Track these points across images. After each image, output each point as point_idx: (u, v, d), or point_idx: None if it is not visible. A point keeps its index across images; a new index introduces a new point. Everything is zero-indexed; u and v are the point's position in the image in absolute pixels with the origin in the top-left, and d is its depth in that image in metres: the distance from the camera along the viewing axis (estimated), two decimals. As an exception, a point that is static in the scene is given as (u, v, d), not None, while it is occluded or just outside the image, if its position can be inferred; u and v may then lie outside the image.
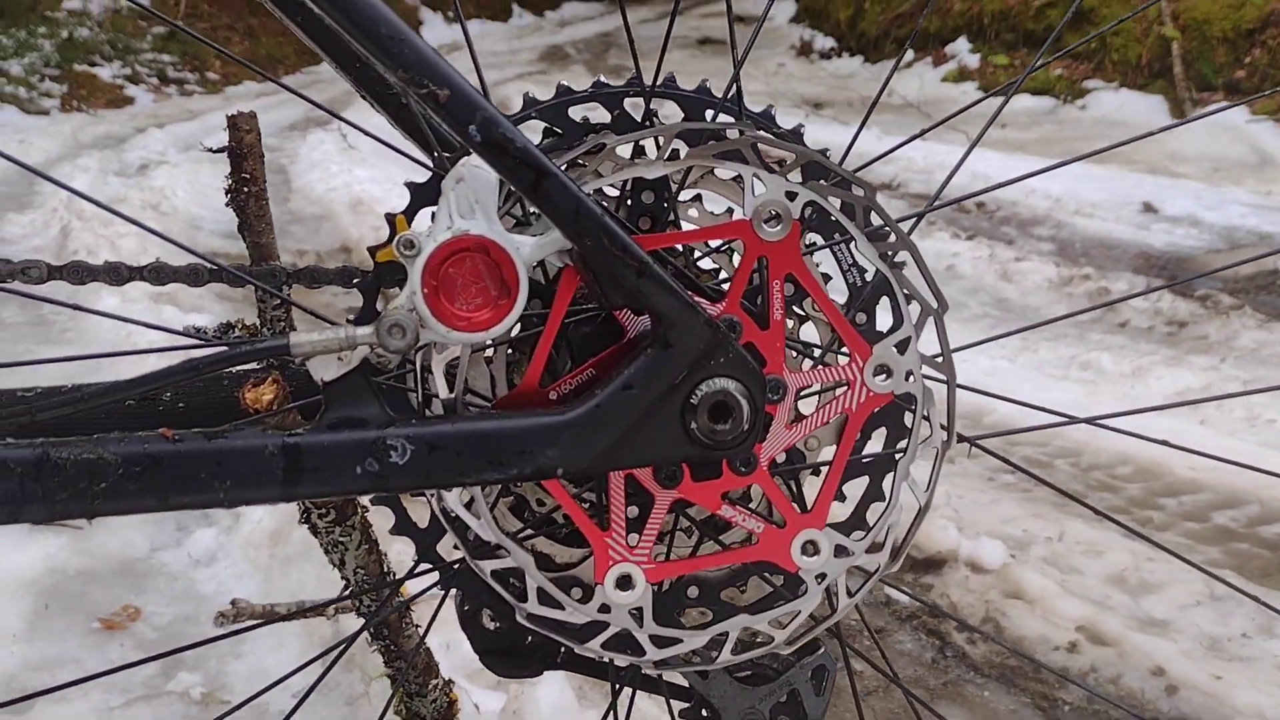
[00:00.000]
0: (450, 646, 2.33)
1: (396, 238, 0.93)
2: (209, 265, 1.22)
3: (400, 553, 2.61)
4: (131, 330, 4.25)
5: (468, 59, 1.32)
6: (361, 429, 0.93)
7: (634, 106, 1.27)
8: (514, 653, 1.33)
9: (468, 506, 1.01)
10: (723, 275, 1.35)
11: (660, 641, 1.05)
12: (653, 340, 0.97)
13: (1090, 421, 1.25)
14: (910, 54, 11.94)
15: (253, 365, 1.29)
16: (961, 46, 11.14)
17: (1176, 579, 2.96)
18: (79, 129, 10.89)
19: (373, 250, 1.18)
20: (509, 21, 19.96)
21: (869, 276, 1.28)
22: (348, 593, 1.45)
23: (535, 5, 20.61)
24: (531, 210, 1.15)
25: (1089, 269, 5.40)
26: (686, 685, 1.34)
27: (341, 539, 1.40)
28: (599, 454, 0.96)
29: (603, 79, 1.23)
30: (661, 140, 1.11)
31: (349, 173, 8.31)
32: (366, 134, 1.23)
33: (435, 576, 1.25)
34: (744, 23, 17.60)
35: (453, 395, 0.98)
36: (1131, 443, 3.74)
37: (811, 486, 1.33)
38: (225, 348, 1.08)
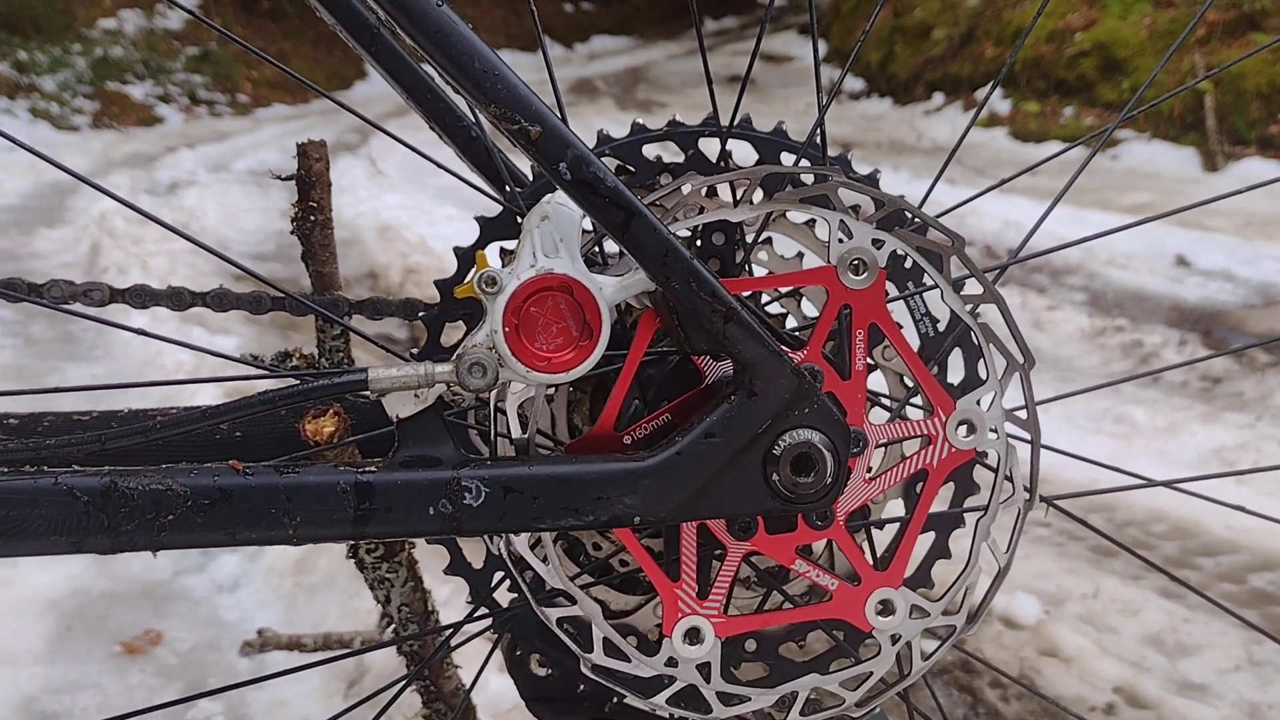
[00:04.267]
0: (477, 687, 2.29)
1: (479, 274, 0.91)
2: (271, 293, 1.20)
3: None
4: (161, 348, 4.24)
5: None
6: (436, 469, 0.90)
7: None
8: (561, 700, 1.30)
9: (532, 549, 0.98)
10: (790, 323, 1.32)
11: (727, 699, 1.01)
12: (736, 388, 0.94)
13: (1169, 485, 1.21)
14: (941, 98, 11.96)
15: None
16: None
17: (1214, 642, 2.90)
18: (110, 146, 10.98)
19: (442, 284, 1.16)
20: (538, 53, 20.09)
21: (941, 327, 1.25)
22: (393, 632, 1.41)
23: (564, 38, 20.76)
24: (608, 252, 1.12)
25: (1122, 320, 5.35)
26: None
27: (388, 575, 1.37)
28: (678, 504, 0.93)
29: (678, 118, 1.21)
30: (742, 183, 1.08)
31: (377, 199, 8.35)
32: (433, 162, 1.20)
33: (469, 620, 1.22)
34: (772, 61, 17.72)
35: (525, 435, 0.95)
36: (1166, 501, 3.69)
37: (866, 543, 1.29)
38: (297, 380, 1.06)
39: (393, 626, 1.42)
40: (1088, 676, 2.74)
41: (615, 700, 1.27)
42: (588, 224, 1.10)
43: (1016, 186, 8.75)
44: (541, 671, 1.28)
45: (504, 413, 0.96)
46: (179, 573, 3.05)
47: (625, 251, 0.91)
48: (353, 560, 1.39)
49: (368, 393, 0.89)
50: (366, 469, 0.90)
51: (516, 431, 0.95)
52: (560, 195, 0.94)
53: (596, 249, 1.15)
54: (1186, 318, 5.49)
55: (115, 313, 1.16)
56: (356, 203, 8.26)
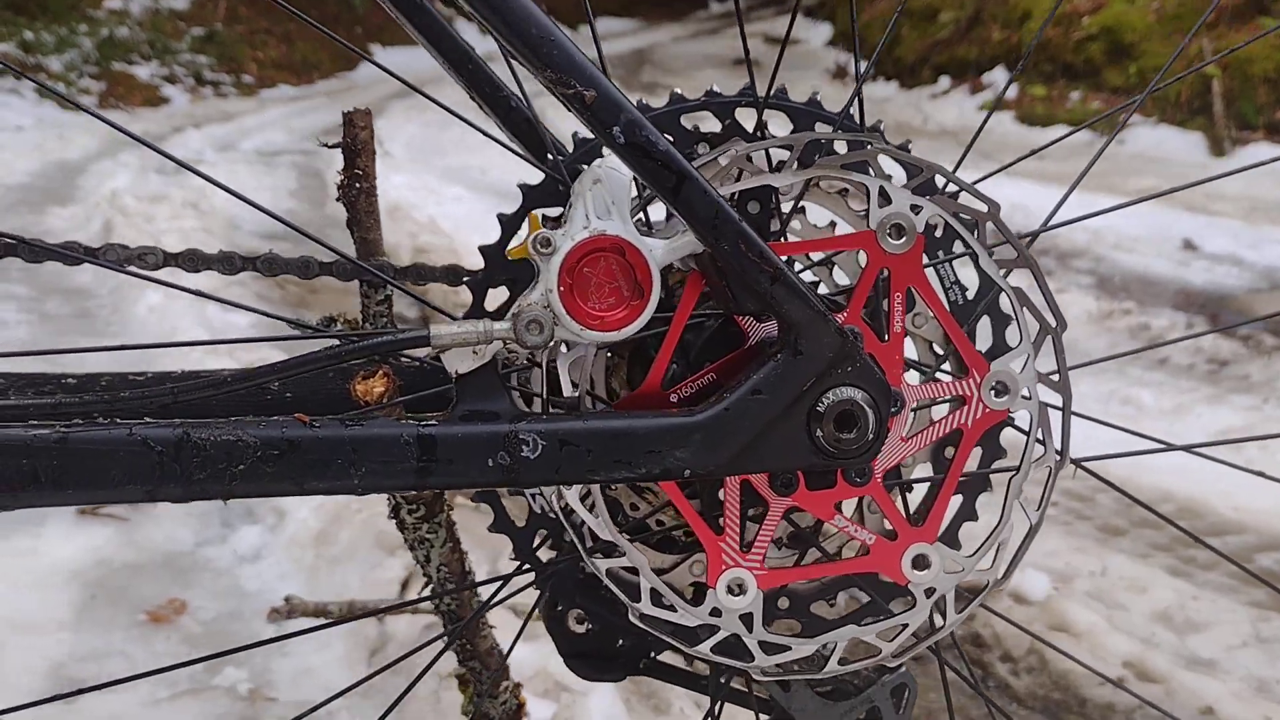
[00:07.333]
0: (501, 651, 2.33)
1: (534, 235, 0.94)
2: (319, 258, 1.24)
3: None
4: (176, 324, 4.28)
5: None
6: (494, 422, 0.94)
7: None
8: (598, 656, 1.33)
9: (583, 503, 1.02)
10: (821, 290, 1.35)
11: (769, 648, 1.05)
12: (782, 347, 0.97)
13: (1187, 449, 1.25)
14: (947, 82, 11.96)
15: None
16: (999, 76, 11.15)
17: (1222, 619, 2.93)
18: (117, 126, 10.93)
19: (488, 249, 1.19)
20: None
21: (970, 295, 1.28)
22: (431, 592, 1.45)
23: (569, 20, 20.70)
24: (658, 216, 1.15)
25: (1129, 303, 5.38)
26: (767, 697, 1.34)
27: (428, 536, 1.41)
28: (726, 458, 0.96)
29: (715, 88, 1.24)
30: (772, 152, 1.11)
31: (385, 179, 8.29)
32: (471, 124, 1.23)
33: (516, 574, 1.26)
34: (774, 42, 17.64)
35: (576, 393, 0.99)
36: (1173, 480, 3.72)
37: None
38: (354, 339, 1.09)
39: (431, 586, 1.46)
40: (1098, 651, 2.78)
41: (651, 656, 1.31)
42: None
43: (1022, 170, 8.76)
44: (579, 628, 1.32)
45: (555, 372, 0.99)
46: (200, 544, 3.09)
47: (675, 213, 0.94)
48: (394, 520, 1.43)
49: (429, 348, 0.92)
50: (428, 422, 0.93)
51: (568, 389, 0.99)
52: (611, 159, 0.97)
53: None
54: (1193, 301, 5.52)
55: (160, 278, 1.20)
56: (365, 183, 8.27)
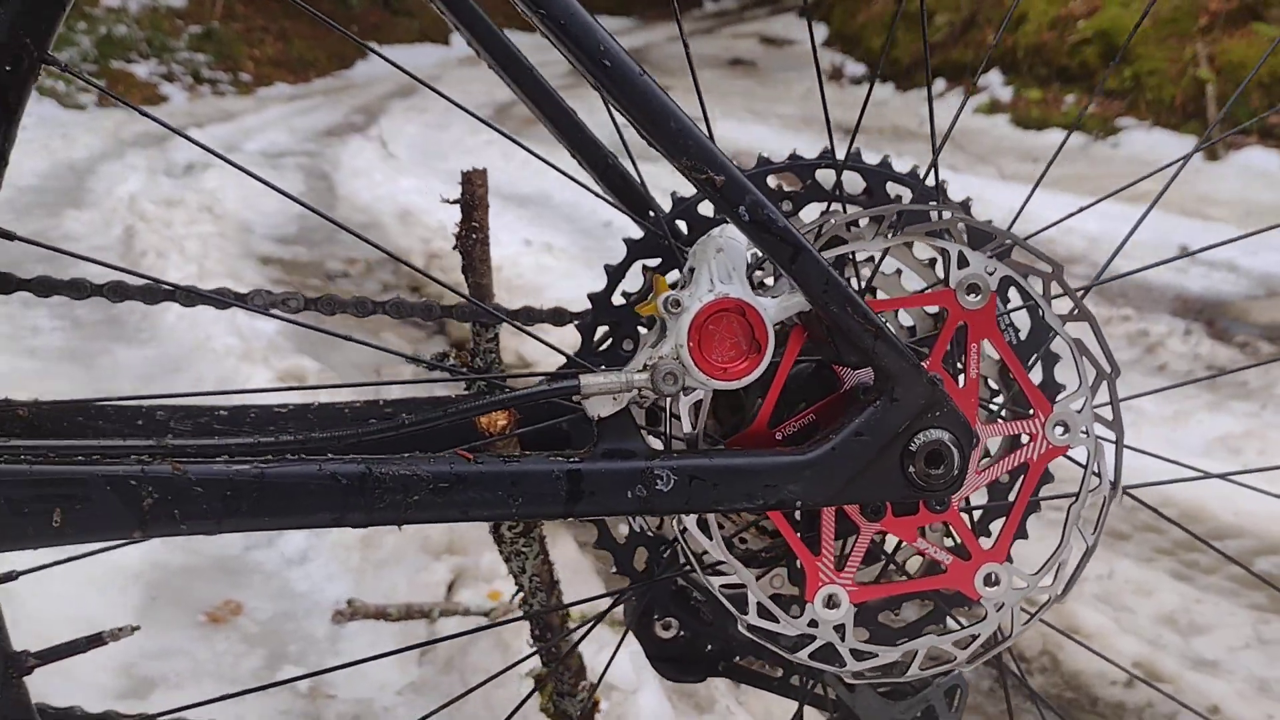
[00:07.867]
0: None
1: (664, 297, 1.09)
2: (440, 301, 1.37)
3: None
4: (210, 334, 4.40)
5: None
6: (632, 459, 1.08)
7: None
8: (683, 660, 1.48)
9: (701, 529, 1.16)
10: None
11: (859, 655, 1.20)
12: (879, 394, 1.12)
13: (1224, 477, 1.39)
14: (942, 85, 12.12)
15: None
16: (994, 79, 11.31)
17: (1225, 622, 3.08)
18: (120, 126, 11.00)
19: (596, 295, 1.33)
20: (534, 33, 20.16)
21: (1022, 335, 1.43)
22: (522, 600, 1.60)
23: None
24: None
25: (1128, 310, 5.54)
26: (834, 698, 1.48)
27: (524, 549, 1.55)
28: (833, 491, 1.11)
29: (797, 152, 1.38)
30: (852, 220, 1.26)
31: (393, 182, 8.47)
32: (482, 119, 1.37)
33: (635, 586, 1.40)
34: (773, 44, 17.79)
35: (695, 431, 1.13)
36: (1175, 486, 3.86)
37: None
38: (469, 384, 1.23)
39: (521, 594, 1.60)
40: (1108, 652, 2.92)
41: (732, 659, 1.46)
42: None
43: (1018, 175, 8.92)
44: (666, 634, 1.46)
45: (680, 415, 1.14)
46: (248, 547, 3.22)
47: (791, 281, 1.08)
48: (493, 534, 1.57)
49: (579, 396, 1.07)
50: (574, 459, 1.08)
51: (687, 428, 1.13)
52: (729, 229, 1.11)
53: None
54: (1190, 308, 5.68)
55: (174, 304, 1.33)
56: (373, 186, 8.39)
